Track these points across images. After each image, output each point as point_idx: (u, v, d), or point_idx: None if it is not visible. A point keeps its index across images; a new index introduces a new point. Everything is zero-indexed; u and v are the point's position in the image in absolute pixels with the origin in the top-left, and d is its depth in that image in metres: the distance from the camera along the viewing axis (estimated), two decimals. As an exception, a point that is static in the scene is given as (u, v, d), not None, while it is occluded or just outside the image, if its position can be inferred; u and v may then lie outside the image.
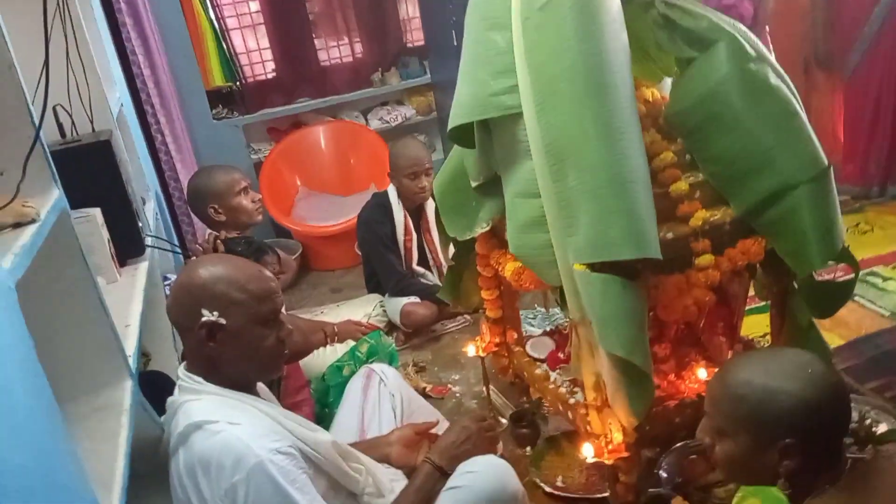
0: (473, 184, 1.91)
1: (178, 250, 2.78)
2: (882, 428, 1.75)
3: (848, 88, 3.48)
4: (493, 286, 2.19)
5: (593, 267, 1.52)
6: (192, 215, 3.02)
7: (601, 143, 1.49)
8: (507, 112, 1.64)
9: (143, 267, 1.84)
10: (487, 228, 1.94)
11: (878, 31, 3.28)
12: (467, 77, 1.75)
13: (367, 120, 4.53)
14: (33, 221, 1.00)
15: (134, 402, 1.28)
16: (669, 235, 1.64)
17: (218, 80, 4.18)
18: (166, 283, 2.26)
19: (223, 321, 1.35)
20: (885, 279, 2.82)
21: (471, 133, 1.82)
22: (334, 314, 2.91)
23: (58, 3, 1.66)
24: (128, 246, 1.85)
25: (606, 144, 1.49)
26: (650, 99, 1.81)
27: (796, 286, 1.81)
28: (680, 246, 1.66)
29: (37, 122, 1.11)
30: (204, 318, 1.34)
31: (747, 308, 2.07)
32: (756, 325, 2.34)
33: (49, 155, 1.16)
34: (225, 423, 1.32)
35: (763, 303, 2.27)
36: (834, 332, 2.39)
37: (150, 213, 2.40)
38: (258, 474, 1.28)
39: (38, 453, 0.75)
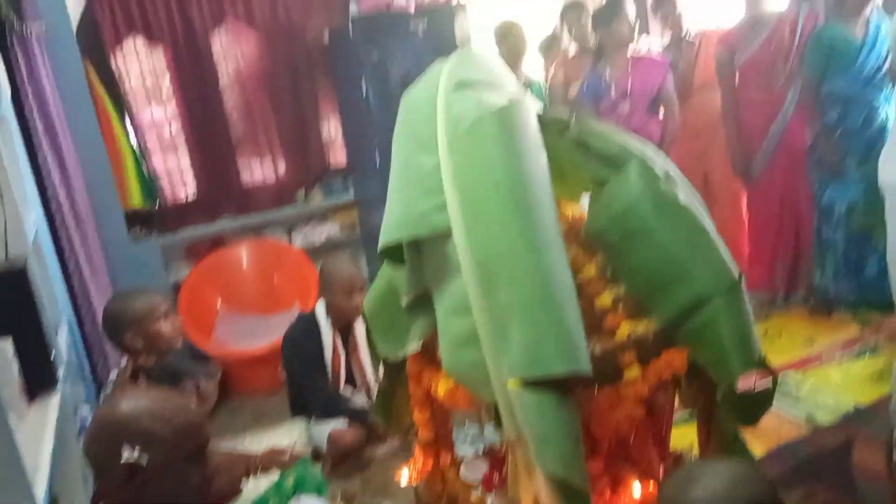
0: (404, 301, 1.91)
1: (92, 377, 2.63)
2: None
3: (751, 197, 3.72)
4: (426, 406, 2.15)
5: (527, 384, 1.52)
6: (106, 343, 2.88)
7: (529, 259, 1.53)
8: (437, 231, 1.68)
9: (54, 401, 1.73)
10: (419, 348, 1.93)
11: (779, 142, 3.53)
12: (396, 196, 1.79)
13: (291, 238, 4.53)
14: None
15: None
16: (597, 350, 1.67)
17: (136, 201, 4.13)
18: (78, 415, 2.12)
19: (144, 461, 1.28)
20: (797, 387, 2.92)
21: (400, 250, 1.84)
22: (258, 443, 2.78)
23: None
24: (39, 378, 1.74)
25: (534, 259, 1.53)
26: (570, 216, 1.89)
27: (719, 398, 1.86)
28: (608, 359, 1.68)
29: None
30: (124, 458, 1.27)
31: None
32: (683, 437, 2.37)
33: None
34: None
35: (686, 413, 2.32)
36: (755, 442, 2.44)
37: (63, 341, 2.28)
38: None
39: None
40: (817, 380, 2.92)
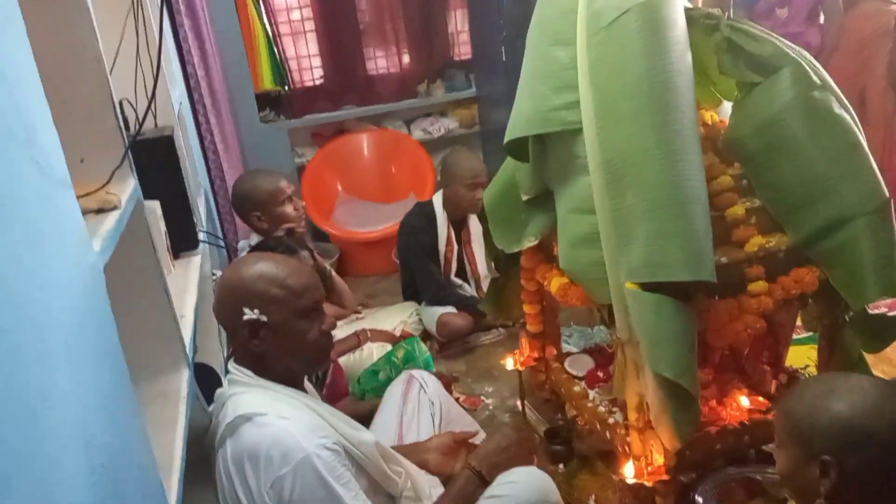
0: (524, 197, 1.92)
1: (223, 245, 2.82)
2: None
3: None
4: (536, 301, 2.19)
5: (646, 287, 1.52)
6: (235, 215, 3.07)
7: (662, 163, 1.49)
8: (567, 127, 1.65)
9: (195, 260, 1.87)
10: (535, 242, 1.94)
11: None
12: (527, 91, 1.76)
13: (409, 130, 4.57)
14: (115, 208, 1.02)
15: (191, 391, 1.30)
16: (724, 260, 1.63)
17: (267, 83, 4.25)
18: (213, 278, 2.30)
19: (264, 318, 1.38)
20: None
21: (525, 146, 1.83)
22: (371, 319, 2.93)
23: (132, 3, 1.71)
24: (182, 239, 1.89)
25: (667, 164, 1.49)
26: (709, 122, 1.81)
27: (848, 319, 1.79)
28: (733, 271, 1.65)
29: (118, 116, 1.14)
30: (245, 317, 1.37)
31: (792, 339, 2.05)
32: (799, 356, 2.31)
33: (128, 147, 1.19)
34: (274, 416, 1.35)
35: (806, 334, 2.25)
36: (876, 369, 2.34)
37: (202, 209, 2.44)
38: (305, 468, 1.31)
39: (119, 433, 0.77)
40: None
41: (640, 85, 1.52)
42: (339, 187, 4.35)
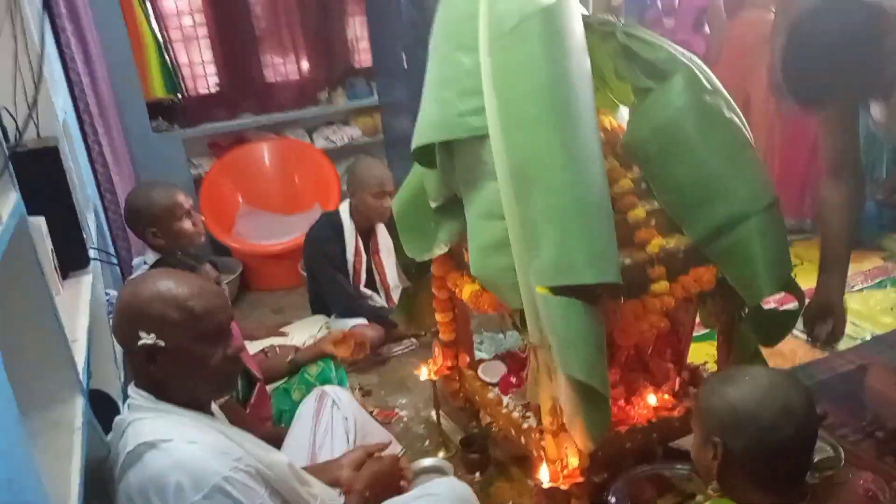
0: (433, 204, 1.91)
1: (116, 263, 2.67)
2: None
3: (788, 122, 3.63)
4: (448, 309, 2.18)
5: (555, 290, 1.54)
6: (129, 232, 2.91)
7: (567, 167, 1.51)
8: (474, 133, 1.65)
9: (86, 280, 1.76)
10: (446, 250, 1.94)
11: None
12: (433, 97, 1.76)
13: (312, 138, 4.49)
14: (-7, 226, 0.94)
15: (86, 420, 1.21)
16: (627, 261, 1.68)
17: (159, 91, 4.07)
18: (107, 298, 2.17)
19: (162, 343, 1.30)
20: (816, 311, 2.95)
21: (432, 153, 1.82)
22: (281, 338, 2.85)
23: (9, 5, 1.59)
24: (71, 258, 1.77)
25: (572, 168, 1.51)
26: (608, 127, 1.86)
27: (743, 315, 1.88)
28: (637, 272, 1.69)
29: (-6, 124, 1.05)
30: (141, 342, 1.30)
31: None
32: (699, 353, 2.41)
33: (8, 158, 1.10)
34: (180, 440, 1.27)
35: (705, 331, 2.34)
36: (770, 362, 2.47)
37: (92, 225, 2.30)
38: (218, 494, 1.24)
39: (6, 468, 0.70)
40: None
41: (543, 91, 1.54)
42: (240, 199, 4.21)
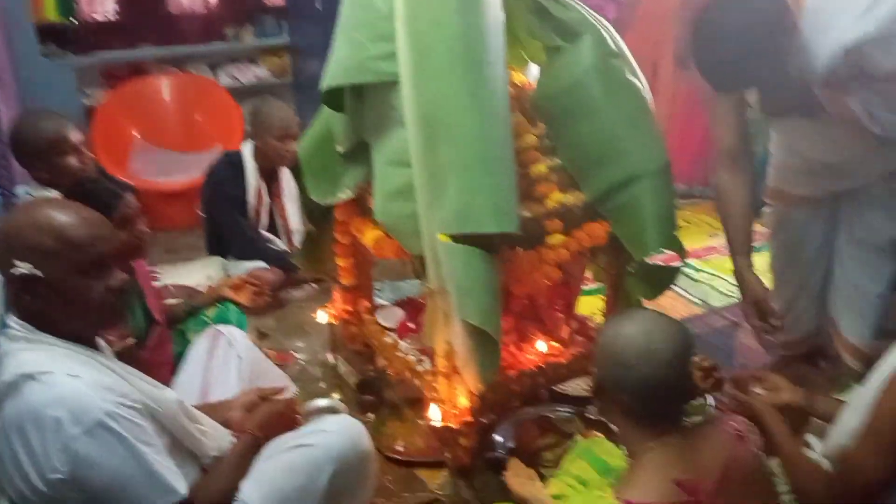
0: (340, 149, 1.90)
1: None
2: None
3: (687, 94, 3.78)
4: (350, 254, 2.19)
5: (456, 238, 1.58)
6: (10, 159, 2.73)
7: (474, 118, 1.54)
8: (384, 79, 1.65)
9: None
10: (351, 195, 1.94)
11: None
12: (345, 39, 1.74)
13: (216, 75, 4.33)
14: None
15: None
16: (527, 214, 1.73)
17: (51, 14, 3.81)
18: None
19: (38, 273, 1.25)
20: (697, 271, 3.17)
21: (342, 96, 1.81)
22: (172, 276, 2.78)
23: None
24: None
25: (479, 120, 1.54)
26: (517, 83, 1.90)
27: (630, 270, 1.99)
28: (534, 225, 1.75)
29: None
30: (18, 271, 1.25)
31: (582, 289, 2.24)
32: (588, 306, 2.53)
33: None
34: (63, 374, 1.24)
35: (594, 286, 2.46)
36: (653, 315, 2.63)
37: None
38: (100, 429, 1.22)
39: None
40: (715, 268, 3.15)
41: (456, 41, 1.55)
42: (136, 134, 4.02)
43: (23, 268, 1.24)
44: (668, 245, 1.85)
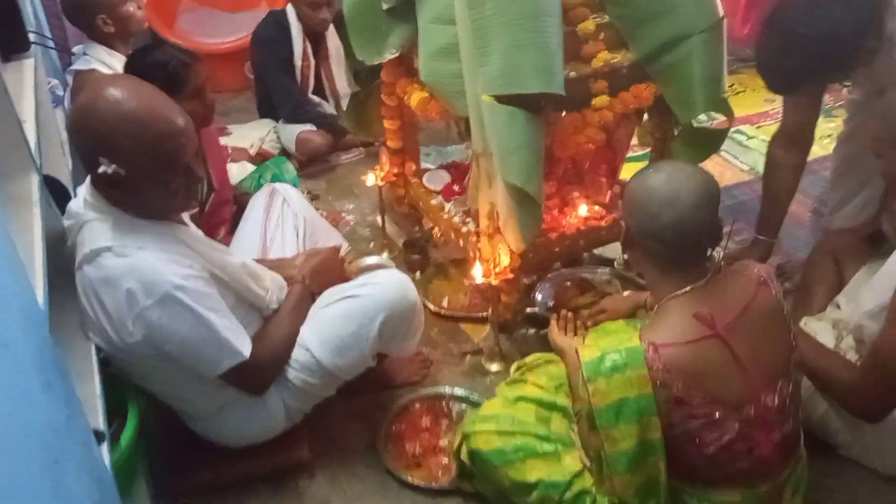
0: (385, 6, 1.88)
1: (55, 48, 2.57)
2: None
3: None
4: (396, 116, 2.21)
5: (500, 99, 1.59)
6: (63, 18, 2.77)
7: (520, -27, 1.50)
8: (430, -67, 1.61)
9: (28, 64, 1.72)
10: (396, 55, 1.94)
11: None
12: None
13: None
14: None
15: (43, 196, 1.26)
16: (573, 74, 1.71)
17: None
18: (49, 86, 2.12)
19: (122, 172, 1.27)
20: (748, 137, 3.09)
21: (387, -48, 1.77)
22: (225, 138, 2.84)
23: None
24: (11, 41, 1.72)
25: (524, -25, 1.51)
26: (567, -64, 1.81)
27: (676, 133, 1.98)
28: (580, 85, 1.74)
29: None
30: (101, 169, 1.27)
31: (627, 155, 2.23)
32: (633, 172, 2.52)
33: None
34: (133, 247, 1.32)
35: (640, 152, 2.45)
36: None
37: (29, 11, 2.20)
38: (169, 300, 1.32)
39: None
40: (768, 134, 2.99)
41: None
42: (183, -9, 3.98)
43: (108, 168, 1.26)
44: (716, 107, 1.82)
